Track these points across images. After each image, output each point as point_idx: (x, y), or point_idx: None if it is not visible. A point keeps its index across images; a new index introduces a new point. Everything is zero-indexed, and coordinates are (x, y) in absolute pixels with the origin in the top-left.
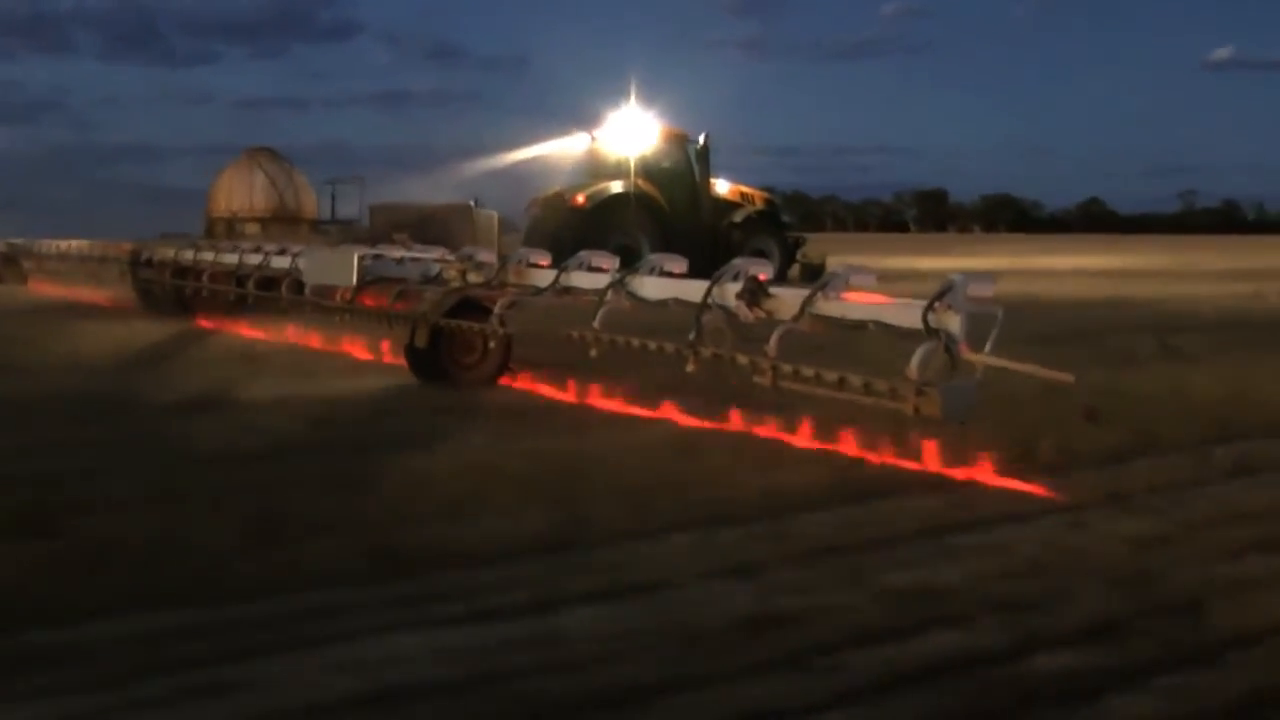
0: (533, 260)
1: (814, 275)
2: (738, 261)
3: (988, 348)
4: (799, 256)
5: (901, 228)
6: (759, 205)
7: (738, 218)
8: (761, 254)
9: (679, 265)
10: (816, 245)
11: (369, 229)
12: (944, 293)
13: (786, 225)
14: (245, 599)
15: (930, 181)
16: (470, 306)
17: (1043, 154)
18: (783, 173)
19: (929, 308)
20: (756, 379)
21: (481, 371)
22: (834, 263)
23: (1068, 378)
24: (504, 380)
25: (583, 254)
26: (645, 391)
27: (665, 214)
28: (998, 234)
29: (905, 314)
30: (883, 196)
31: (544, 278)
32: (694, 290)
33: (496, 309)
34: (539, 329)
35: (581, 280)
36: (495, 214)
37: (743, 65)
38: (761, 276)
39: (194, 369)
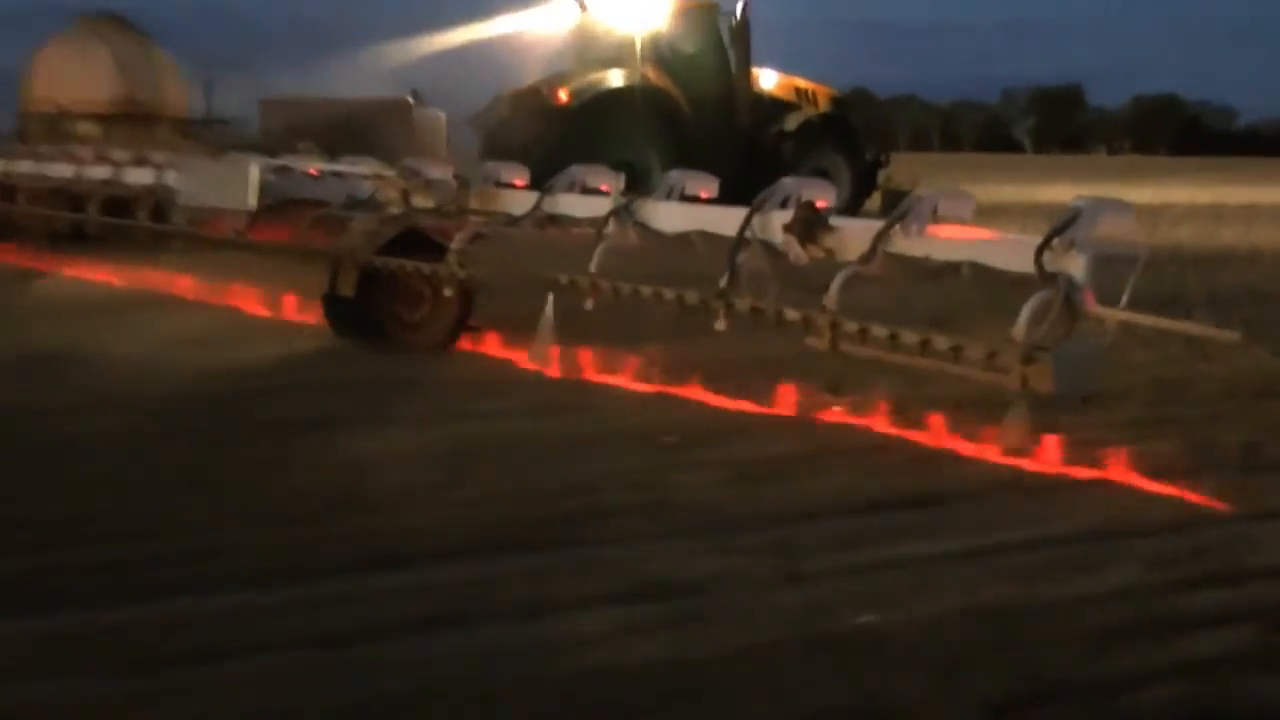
0: (504, 178)
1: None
2: (788, 181)
3: (1123, 300)
4: (880, 181)
5: (1011, 146)
6: (822, 106)
7: (791, 123)
8: (824, 174)
9: (706, 187)
10: (904, 168)
11: (259, 133)
12: (1066, 225)
13: (861, 136)
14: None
15: (1055, 75)
16: (416, 241)
17: (1242, 38)
18: (839, 61)
19: (1045, 245)
20: (810, 341)
21: (431, 332)
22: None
23: (1233, 336)
24: (463, 344)
25: (575, 170)
26: (666, 359)
27: (686, 117)
28: (1155, 156)
29: (1013, 253)
30: (983, 98)
31: (520, 202)
32: (727, 220)
33: (454, 244)
34: (513, 272)
35: (572, 206)
36: (442, 114)
37: None
38: (820, 204)
39: (7, 327)
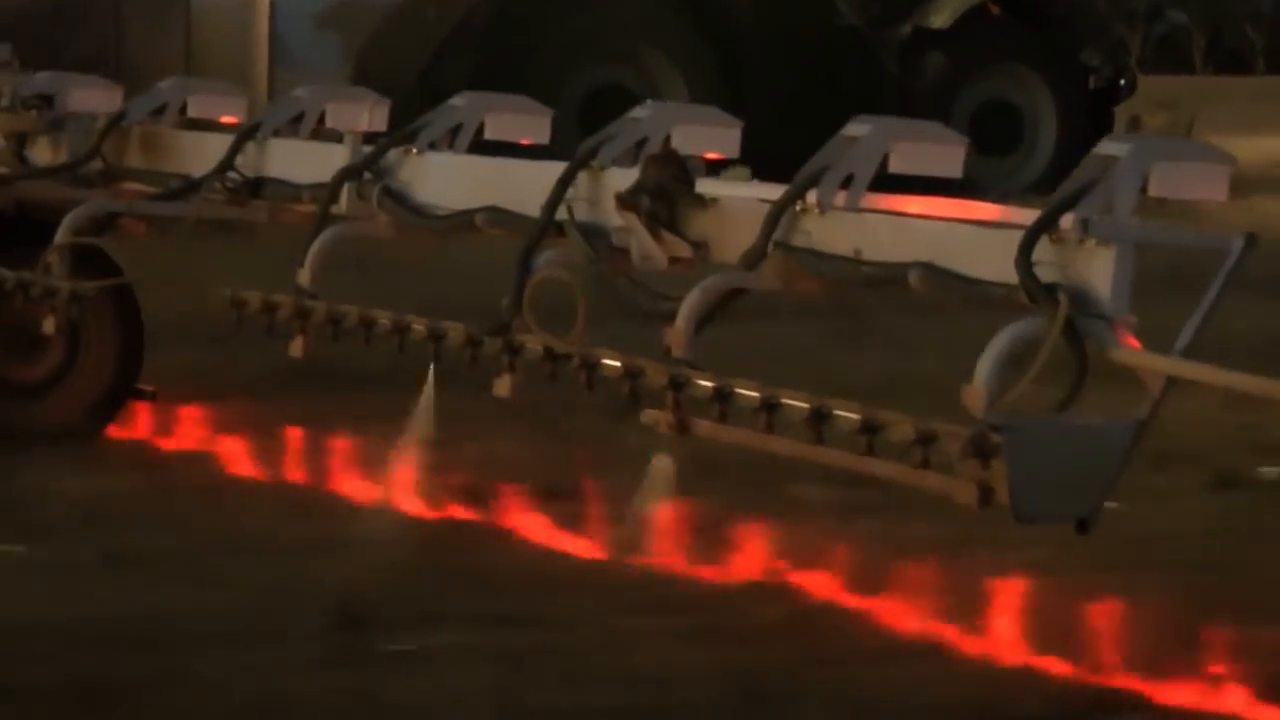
0: (198, 107)
1: None
2: (644, 112)
3: (1184, 340)
4: (1124, 128)
5: (1239, 65)
6: None
7: (941, 12)
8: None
9: (530, 125)
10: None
11: None
12: (1083, 191)
13: (1079, 36)
14: None
15: None
16: (27, 231)
17: None
18: None
19: (1038, 229)
20: (646, 418)
21: (64, 402)
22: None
23: None
24: (134, 425)
25: (304, 94)
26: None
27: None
28: None
29: (993, 247)
30: None
31: (206, 154)
32: (533, 184)
33: (59, 235)
34: (173, 288)
35: (290, 163)
36: None
37: None
38: (710, 155)
39: None
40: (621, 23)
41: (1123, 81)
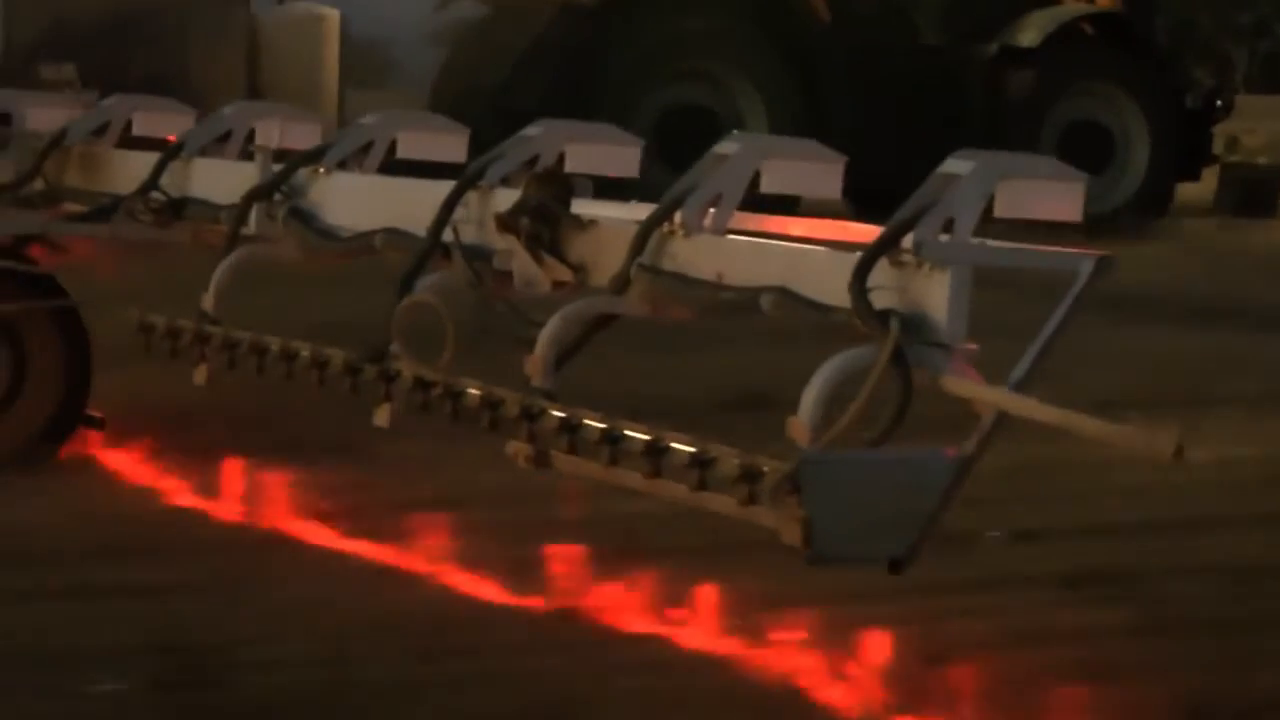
0: (142, 125)
1: (1255, 195)
2: (536, 130)
3: (1019, 371)
4: (1221, 149)
5: None
6: (1097, 1)
7: (1029, 31)
8: (1096, 130)
9: (445, 146)
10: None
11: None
12: (922, 211)
13: (1175, 58)
14: None
15: None
16: None
17: None
18: None
19: (875, 253)
20: (510, 449)
21: (8, 430)
22: None
23: (1167, 442)
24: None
25: (230, 112)
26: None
27: (815, 19)
28: None
29: (840, 270)
30: None
31: (141, 174)
32: (436, 204)
33: None
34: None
35: (210, 183)
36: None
37: None
38: (618, 172)
39: None
40: (696, 41)
41: (1219, 101)
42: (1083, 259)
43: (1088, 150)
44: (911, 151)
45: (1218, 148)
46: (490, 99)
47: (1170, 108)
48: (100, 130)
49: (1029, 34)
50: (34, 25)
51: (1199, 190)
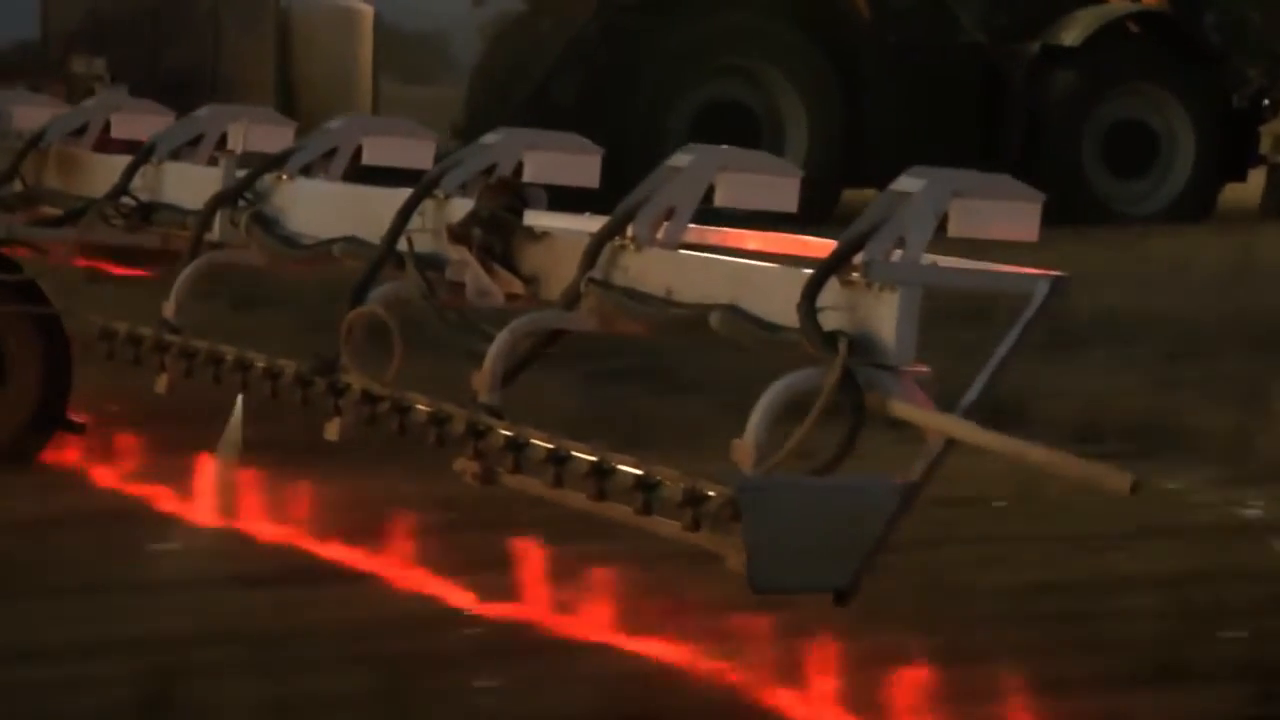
0: (120, 127)
1: None
2: (495, 139)
3: (970, 397)
4: (1266, 146)
5: None
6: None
7: (1073, 30)
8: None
9: (411, 151)
10: None
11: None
12: (873, 230)
13: (1223, 57)
14: None
15: None
16: None
17: None
18: None
19: (826, 272)
20: (457, 466)
21: None
22: None
23: (1121, 482)
24: (64, 453)
25: (205, 115)
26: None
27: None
28: None
29: (789, 288)
30: None
31: (112, 176)
32: (386, 212)
33: None
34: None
35: (178, 187)
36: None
37: None
38: (577, 182)
39: None
40: (734, 37)
41: (1266, 101)
42: (1038, 280)
43: (1132, 151)
44: (950, 151)
45: (1265, 147)
46: (528, 94)
47: (1216, 107)
48: (80, 131)
49: (1072, 32)
50: (70, 19)
51: (1247, 190)
